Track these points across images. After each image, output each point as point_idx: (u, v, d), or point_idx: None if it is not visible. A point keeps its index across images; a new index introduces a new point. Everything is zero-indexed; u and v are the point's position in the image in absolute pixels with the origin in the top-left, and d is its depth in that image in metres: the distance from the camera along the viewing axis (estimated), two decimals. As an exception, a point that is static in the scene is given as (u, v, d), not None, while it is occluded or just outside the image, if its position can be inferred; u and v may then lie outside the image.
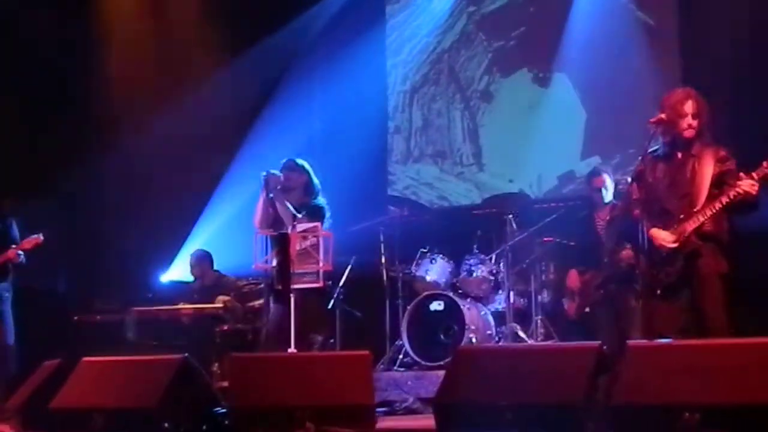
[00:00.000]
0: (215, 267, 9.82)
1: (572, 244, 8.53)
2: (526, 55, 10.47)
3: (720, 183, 5.97)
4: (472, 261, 8.96)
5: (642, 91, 9.31)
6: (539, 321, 8.71)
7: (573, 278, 8.20)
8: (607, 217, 7.83)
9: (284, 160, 7.62)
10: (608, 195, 8.00)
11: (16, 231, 8.72)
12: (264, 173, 7.34)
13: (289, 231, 7.06)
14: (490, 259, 8.93)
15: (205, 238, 10.57)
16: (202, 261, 9.81)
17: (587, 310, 8.07)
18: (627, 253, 7.38)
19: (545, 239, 8.81)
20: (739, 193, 5.81)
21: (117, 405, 5.83)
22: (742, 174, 5.86)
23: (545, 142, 10.14)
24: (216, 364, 8.44)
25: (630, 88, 9.67)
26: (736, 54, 9.05)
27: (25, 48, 10.52)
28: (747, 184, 5.80)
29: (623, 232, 7.65)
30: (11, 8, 10.45)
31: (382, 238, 9.25)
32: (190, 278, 10.01)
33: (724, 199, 5.87)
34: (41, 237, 8.54)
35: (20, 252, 8.49)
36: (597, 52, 9.86)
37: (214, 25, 11.00)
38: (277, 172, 7.40)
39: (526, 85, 10.46)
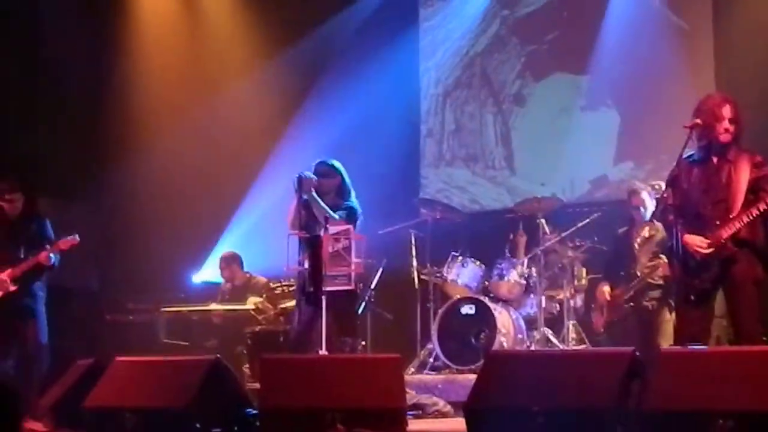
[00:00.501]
0: (246, 268, 9.86)
1: (605, 248, 8.53)
2: (559, 58, 10.43)
3: (756, 189, 5.92)
4: (503, 265, 8.94)
5: (675, 96, 9.25)
6: (571, 326, 8.67)
7: (602, 292, 8.18)
8: (645, 235, 7.85)
9: (317, 162, 7.59)
10: (647, 213, 7.95)
11: (50, 231, 8.75)
12: (297, 175, 7.33)
13: (322, 233, 7.06)
14: (522, 263, 8.90)
15: (237, 239, 10.60)
16: (232, 263, 9.84)
17: (615, 324, 8.07)
18: (663, 266, 7.38)
19: (578, 243, 8.79)
20: None
21: (149, 405, 5.87)
22: None
23: (578, 146, 10.11)
24: (247, 365, 8.49)
25: (663, 92, 9.61)
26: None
27: (60, 53, 10.59)
28: None
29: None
30: (47, 16, 10.55)
31: (413, 240, 9.24)
32: (222, 279, 10.05)
33: (762, 206, 5.82)
34: (77, 238, 8.56)
35: (52, 255, 8.52)
36: (630, 56, 9.82)
37: (247, 29, 11.05)
38: (310, 173, 7.38)
39: (559, 88, 10.42)
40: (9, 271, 8.43)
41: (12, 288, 8.44)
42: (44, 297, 8.69)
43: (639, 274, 7.89)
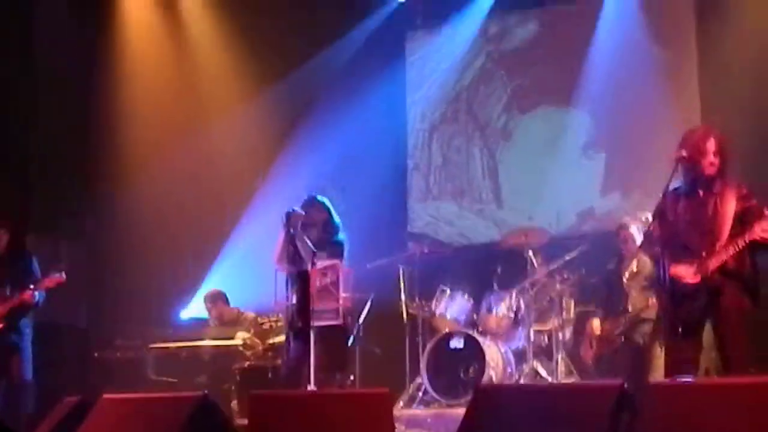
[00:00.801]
0: (234, 303, 9.83)
1: (593, 281, 8.54)
2: (545, 92, 10.50)
3: (742, 221, 5.95)
4: (491, 298, 8.94)
5: (661, 126, 9.31)
6: (560, 359, 8.66)
7: (593, 325, 8.18)
8: (634, 269, 7.88)
9: (307, 197, 7.62)
10: (635, 247, 7.97)
11: (36, 268, 8.75)
12: (286, 210, 7.35)
13: (309, 268, 7.06)
14: (510, 296, 8.90)
15: (225, 274, 10.58)
16: (217, 300, 9.82)
17: (604, 358, 8.07)
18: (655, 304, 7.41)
19: (566, 276, 8.80)
20: (763, 238, 5.79)
21: (137, 442, 5.83)
22: (766, 211, 5.84)
23: (564, 178, 10.14)
24: (235, 401, 8.44)
25: (649, 123, 9.67)
26: (756, 91, 9.02)
27: (49, 88, 10.63)
28: (761, 229, 5.78)
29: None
30: (33, 47, 10.58)
31: (401, 274, 9.24)
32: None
33: (748, 237, 5.84)
34: (63, 276, 8.56)
35: (36, 293, 8.51)
36: (616, 89, 9.88)
37: (235, 64, 11.06)
38: (299, 209, 7.41)
39: (545, 122, 10.47)
40: None
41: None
42: (30, 334, 8.66)
43: (630, 308, 7.89)
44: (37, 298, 8.50)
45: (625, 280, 8.01)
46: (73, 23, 10.70)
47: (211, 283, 10.44)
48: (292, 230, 7.29)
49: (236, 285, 10.10)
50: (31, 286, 8.46)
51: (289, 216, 7.31)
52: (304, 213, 7.42)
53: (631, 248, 7.98)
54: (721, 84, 9.33)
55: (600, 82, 9.98)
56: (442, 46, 11.05)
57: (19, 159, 10.44)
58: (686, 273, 5.95)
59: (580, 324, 8.71)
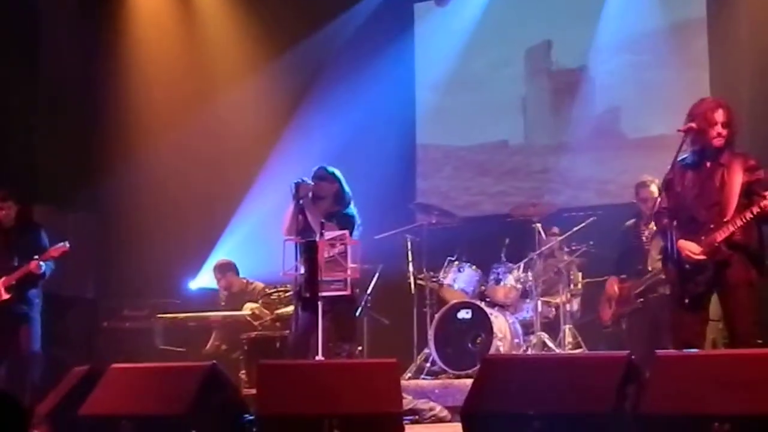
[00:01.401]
0: (242, 274, 9.85)
1: (593, 251, 8.54)
2: (558, 57, 10.46)
3: (749, 192, 5.93)
4: (499, 269, 8.94)
5: (671, 103, 9.29)
6: (567, 330, 8.68)
7: (612, 285, 8.14)
8: (654, 228, 7.80)
9: (317, 167, 7.60)
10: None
11: (45, 240, 8.78)
12: (295, 181, 7.34)
13: (317, 239, 7.06)
14: (518, 267, 8.90)
15: (233, 245, 10.60)
16: (227, 271, 9.83)
17: (623, 318, 8.04)
18: None
19: (574, 247, 8.80)
20: (765, 210, 5.78)
21: (145, 412, 5.85)
22: None
23: (575, 152, 10.12)
24: (244, 371, 8.48)
25: (660, 99, 9.66)
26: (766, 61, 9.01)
27: (57, 63, 10.64)
28: None
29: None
30: (45, 27, 10.58)
31: (409, 245, 9.24)
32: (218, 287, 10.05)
33: (755, 210, 5.82)
34: (67, 245, 8.59)
35: (42, 263, 8.54)
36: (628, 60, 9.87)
37: (243, 37, 11.05)
38: (307, 179, 7.39)
39: (555, 93, 10.45)
40: (3, 279, 8.47)
41: (5, 296, 8.49)
42: (40, 304, 8.70)
43: (650, 268, 7.82)
44: (43, 268, 8.53)
45: (644, 239, 7.96)
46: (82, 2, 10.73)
47: (219, 254, 10.47)
48: (301, 201, 7.28)
49: (244, 256, 10.12)
50: (36, 257, 8.50)
51: (298, 186, 7.29)
52: (312, 183, 7.41)
53: (650, 207, 7.91)
54: (730, 56, 9.30)
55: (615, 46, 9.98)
56: (452, 17, 10.99)
57: (25, 131, 10.45)
58: (693, 249, 5.94)
59: (588, 295, 8.71)
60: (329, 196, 7.51)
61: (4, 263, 8.62)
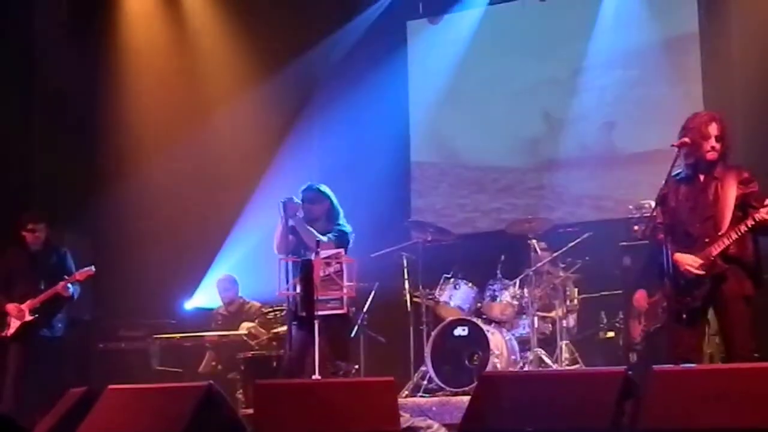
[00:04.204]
0: (239, 293, 9.85)
1: (589, 267, 8.51)
2: (548, 74, 10.47)
3: (744, 205, 5.95)
4: (495, 286, 8.94)
5: (664, 117, 9.31)
6: (564, 346, 8.67)
7: (641, 299, 8.02)
8: None
9: (305, 187, 7.60)
10: None
11: (71, 263, 8.88)
12: (282, 200, 7.35)
13: (313, 257, 7.06)
14: (514, 284, 8.90)
15: (229, 265, 10.58)
16: (233, 286, 9.85)
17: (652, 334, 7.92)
18: None
19: (570, 263, 8.80)
20: (762, 220, 5.79)
21: (142, 433, 5.84)
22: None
23: (569, 168, 10.13)
24: (240, 391, 8.46)
25: (653, 113, 9.68)
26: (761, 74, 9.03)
27: (53, 82, 10.66)
28: (766, 211, 5.79)
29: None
30: (31, 40, 10.59)
31: (405, 263, 9.24)
32: (214, 305, 10.03)
33: (750, 222, 5.84)
34: (93, 269, 8.72)
35: (70, 285, 8.62)
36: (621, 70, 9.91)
37: (237, 56, 11.06)
38: (295, 198, 7.39)
39: (549, 104, 10.48)
40: (28, 302, 8.53)
41: (29, 318, 8.54)
42: (62, 330, 8.77)
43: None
44: (71, 290, 8.61)
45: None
46: (75, 17, 10.73)
47: (215, 274, 10.45)
48: (289, 219, 7.29)
49: (240, 275, 10.11)
50: (66, 277, 8.58)
51: (286, 205, 7.30)
52: (301, 202, 7.41)
53: None
54: (723, 71, 9.34)
55: (604, 65, 10.00)
56: (445, 34, 11.02)
57: (21, 150, 10.45)
58: (691, 263, 5.95)
59: (584, 311, 8.69)
60: (322, 216, 7.52)
61: (30, 286, 8.71)
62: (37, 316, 8.65)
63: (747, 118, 8.82)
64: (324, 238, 7.22)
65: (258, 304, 9.58)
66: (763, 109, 8.82)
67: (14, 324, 8.63)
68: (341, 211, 7.60)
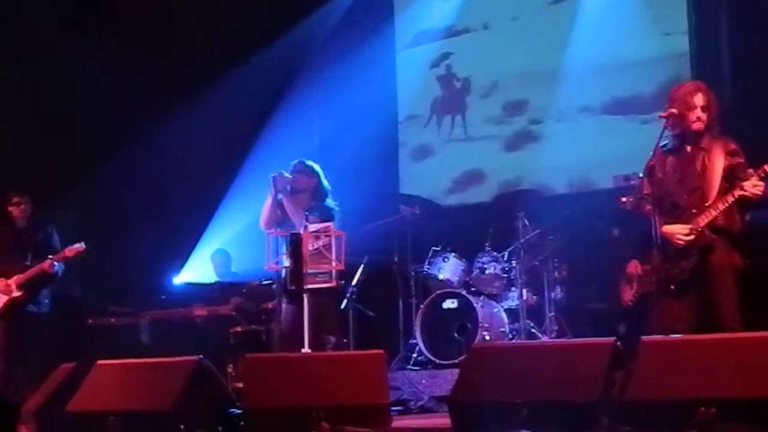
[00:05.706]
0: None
1: (575, 236, 8.52)
2: (536, 50, 10.43)
3: (731, 176, 5.96)
4: (484, 259, 8.95)
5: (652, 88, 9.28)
6: (552, 317, 8.70)
7: (634, 266, 8.02)
8: None
9: (294, 162, 7.61)
10: None
11: (56, 240, 8.93)
12: (272, 174, 7.35)
13: (301, 231, 7.06)
14: (503, 256, 8.91)
15: (218, 240, 10.58)
16: (227, 260, 9.87)
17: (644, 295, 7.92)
18: None
19: (558, 236, 8.80)
20: (745, 194, 5.80)
21: (132, 408, 5.86)
22: (750, 171, 5.84)
23: (557, 141, 10.11)
24: (230, 366, 8.47)
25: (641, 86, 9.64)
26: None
27: (34, 58, 10.60)
28: (751, 185, 5.79)
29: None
30: (23, 22, 10.54)
31: (394, 237, 9.24)
32: (203, 280, 10.03)
33: (737, 193, 5.85)
34: (83, 245, 8.71)
35: (56, 263, 8.65)
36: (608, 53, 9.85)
37: (224, 27, 11.00)
38: (285, 173, 7.41)
39: (535, 80, 10.43)
40: (15, 277, 8.57)
41: (17, 294, 8.57)
42: (48, 305, 8.80)
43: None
44: (56, 268, 8.64)
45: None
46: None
47: (203, 249, 10.46)
48: (279, 194, 7.30)
49: (230, 250, 10.12)
50: (50, 257, 8.60)
51: (276, 179, 7.31)
52: (290, 177, 7.42)
53: None
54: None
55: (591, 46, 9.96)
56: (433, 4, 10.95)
57: (5, 130, 10.40)
58: (680, 230, 5.96)
59: (572, 283, 8.71)
60: (307, 190, 7.54)
61: (17, 262, 8.76)
62: (23, 293, 8.67)
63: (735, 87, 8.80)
64: (309, 215, 7.21)
65: (246, 279, 9.58)
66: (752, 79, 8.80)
67: (1, 299, 8.66)
68: (329, 188, 7.60)
